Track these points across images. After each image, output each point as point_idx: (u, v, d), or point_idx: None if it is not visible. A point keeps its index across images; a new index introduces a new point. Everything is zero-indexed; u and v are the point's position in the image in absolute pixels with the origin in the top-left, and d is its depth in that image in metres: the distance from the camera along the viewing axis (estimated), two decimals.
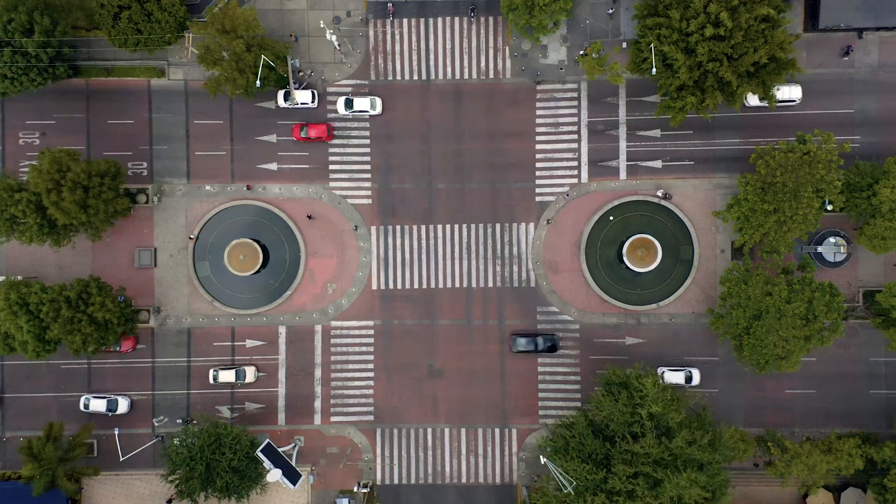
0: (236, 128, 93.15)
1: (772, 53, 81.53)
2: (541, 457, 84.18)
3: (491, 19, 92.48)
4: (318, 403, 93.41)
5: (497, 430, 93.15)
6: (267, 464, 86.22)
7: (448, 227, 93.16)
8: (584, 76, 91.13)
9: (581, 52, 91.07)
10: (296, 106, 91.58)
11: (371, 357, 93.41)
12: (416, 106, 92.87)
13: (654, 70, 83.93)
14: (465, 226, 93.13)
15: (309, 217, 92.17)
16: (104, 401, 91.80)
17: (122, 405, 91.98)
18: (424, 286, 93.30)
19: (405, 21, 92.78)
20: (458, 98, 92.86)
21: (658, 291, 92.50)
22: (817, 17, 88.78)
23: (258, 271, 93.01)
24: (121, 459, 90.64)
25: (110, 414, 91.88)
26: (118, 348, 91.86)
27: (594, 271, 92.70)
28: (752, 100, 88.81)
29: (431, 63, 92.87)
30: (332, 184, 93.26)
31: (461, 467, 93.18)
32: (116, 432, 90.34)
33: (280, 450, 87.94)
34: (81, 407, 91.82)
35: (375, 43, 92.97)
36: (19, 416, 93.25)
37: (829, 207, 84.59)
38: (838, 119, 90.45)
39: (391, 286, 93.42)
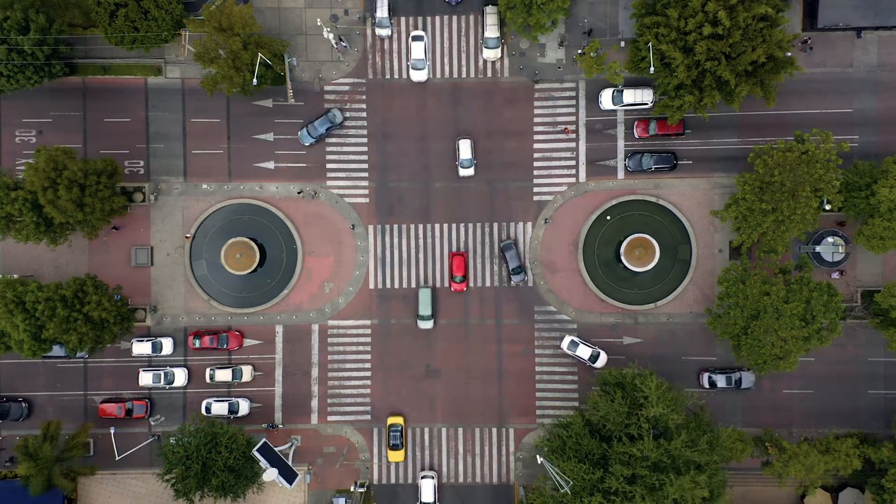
0: (233, 126, 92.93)
1: (770, 52, 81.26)
2: (537, 456, 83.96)
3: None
4: (314, 403, 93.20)
5: (494, 430, 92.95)
6: (263, 463, 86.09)
7: (446, 226, 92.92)
8: (583, 75, 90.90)
9: (579, 51, 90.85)
10: None
11: (368, 357, 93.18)
12: (413, 105, 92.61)
13: (652, 69, 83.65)
14: (462, 225, 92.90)
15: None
16: (226, 404, 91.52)
17: (244, 407, 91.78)
18: (422, 285, 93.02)
19: (403, 20, 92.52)
20: (456, 97, 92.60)
21: (656, 291, 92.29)
22: (816, 16, 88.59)
23: (255, 270, 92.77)
24: (116, 458, 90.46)
25: (232, 416, 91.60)
26: (225, 345, 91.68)
27: (592, 271, 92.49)
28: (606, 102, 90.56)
29: (429, 62, 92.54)
30: (329, 182, 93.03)
31: (458, 467, 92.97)
32: (112, 431, 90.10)
33: (276, 449, 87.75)
34: (203, 411, 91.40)
35: (373, 41, 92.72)
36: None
37: (828, 207, 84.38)
38: (837, 118, 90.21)
39: (388, 285, 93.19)
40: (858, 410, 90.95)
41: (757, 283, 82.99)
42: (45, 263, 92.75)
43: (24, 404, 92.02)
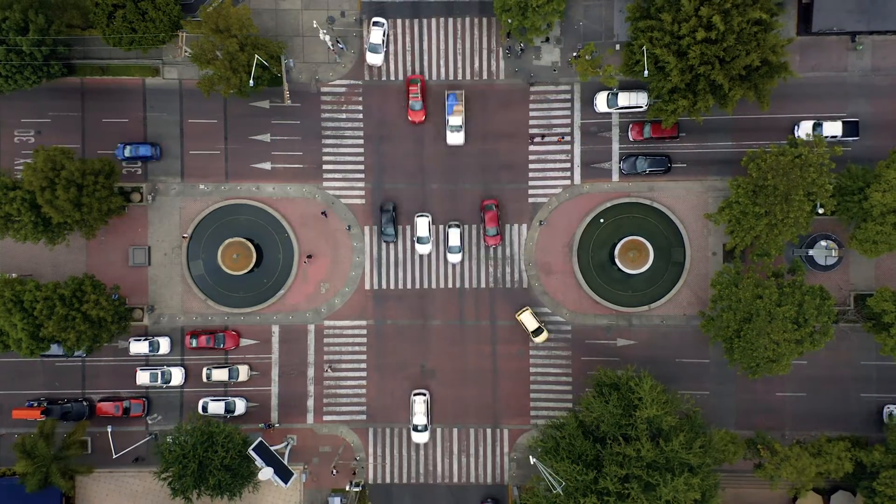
0: (230, 127, 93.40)
1: (764, 57, 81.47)
2: (531, 457, 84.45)
3: (484, 20, 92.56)
4: (310, 402, 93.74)
5: (489, 431, 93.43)
6: (259, 462, 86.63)
7: (442, 227, 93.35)
8: (578, 78, 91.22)
9: (574, 54, 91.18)
10: None
11: (364, 357, 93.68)
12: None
13: (646, 73, 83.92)
14: (457, 226, 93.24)
15: (309, 257, 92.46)
16: (222, 403, 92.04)
17: (240, 406, 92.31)
18: (417, 286, 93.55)
19: (399, 21, 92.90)
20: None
21: (649, 293, 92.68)
22: (810, 21, 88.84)
23: (252, 270, 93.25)
24: (114, 457, 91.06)
25: (228, 416, 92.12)
26: (222, 345, 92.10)
27: (586, 273, 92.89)
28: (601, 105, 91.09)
29: (425, 64, 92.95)
30: (325, 184, 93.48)
31: (453, 467, 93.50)
32: (109, 430, 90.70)
33: (272, 448, 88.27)
34: (200, 410, 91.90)
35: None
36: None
37: (821, 211, 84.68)
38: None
39: (384, 286, 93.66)
40: (850, 414, 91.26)
41: (750, 286, 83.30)
42: (43, 263, 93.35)
43: (84, 403, 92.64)
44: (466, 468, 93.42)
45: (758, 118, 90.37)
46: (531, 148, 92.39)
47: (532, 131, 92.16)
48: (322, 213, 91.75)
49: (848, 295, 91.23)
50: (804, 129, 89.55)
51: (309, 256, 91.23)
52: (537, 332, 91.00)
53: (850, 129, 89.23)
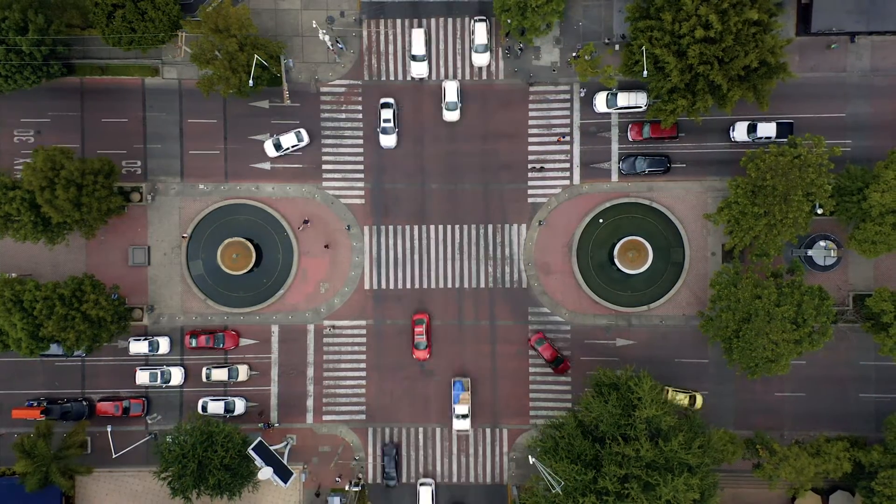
0: (230, 127, 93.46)
1: (762, 57, 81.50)
2: (530, 457, 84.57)
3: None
4: (310, 402, 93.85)
5: (488, 430, 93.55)
6: (258, 462, 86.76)
7: (441, 227, 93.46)
8: (577, 78, 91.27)
9: (573, 54, 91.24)
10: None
11: (363, 357, 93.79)
12: (408, 106, 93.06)
13: (645, 73, 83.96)
14: (457, 226, 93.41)
15: (305, 221, 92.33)
16: (222, 402, 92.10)
17: (239, 406, 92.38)
18: (417, 286, 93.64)
19: (398, 21, 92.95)
20: None
21: (649, 293, 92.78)
22: (810, 21, 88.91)
23: (251, 270, 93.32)
24: (114, 456, 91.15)
25: (228, 415, 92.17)
26: (221, 345, 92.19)
27: (585, 273, 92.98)
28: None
29: (425, 64, 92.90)
30: (325, 183, 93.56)
31: (452, 467, 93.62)
32: (109, 429, 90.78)
33: (272, 448, 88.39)
34: (199, 409, 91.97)
35: (369, 43, 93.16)
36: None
37: (820, 211, 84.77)
38: (830, 123, 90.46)
39: (383, 286, 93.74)
40: (849, 414, 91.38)
41: (749, 287, 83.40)
42: (42, 263, 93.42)
43: (84, 403, 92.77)
44: (466, 468, 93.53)
45: (757, 118, 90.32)
46: (531, 148, 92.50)
47: (531, 157, 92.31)
48: (304, 221, 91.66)
49: (847, 295, 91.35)
50: (739, 131, 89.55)
51: (306, 221, 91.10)
52: (693, 401, 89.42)
53: (784, 130, 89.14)
